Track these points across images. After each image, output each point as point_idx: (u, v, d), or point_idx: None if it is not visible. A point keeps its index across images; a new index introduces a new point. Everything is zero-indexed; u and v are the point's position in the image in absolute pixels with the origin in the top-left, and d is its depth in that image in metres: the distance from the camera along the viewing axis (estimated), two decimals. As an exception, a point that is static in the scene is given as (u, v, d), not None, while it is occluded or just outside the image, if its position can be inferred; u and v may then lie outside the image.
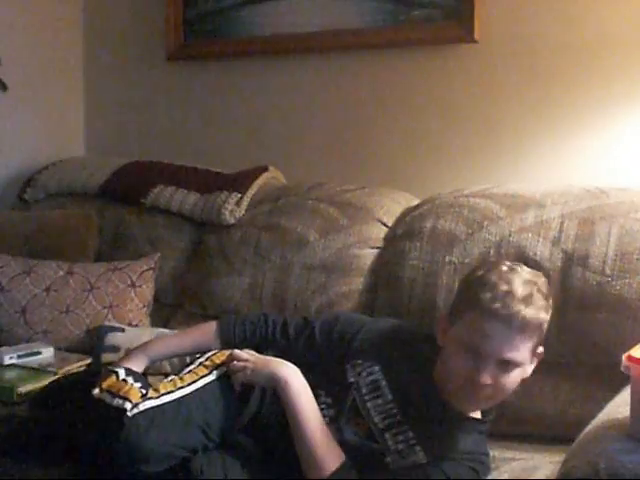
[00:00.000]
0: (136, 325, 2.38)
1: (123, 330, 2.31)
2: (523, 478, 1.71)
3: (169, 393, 1.66)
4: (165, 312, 2.50)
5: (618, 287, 1.88)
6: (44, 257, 2.53)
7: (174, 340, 1.97)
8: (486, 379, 1.59)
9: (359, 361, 1.74)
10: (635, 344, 1.45)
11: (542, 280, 1.67)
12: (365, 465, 1.63)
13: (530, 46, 2.40)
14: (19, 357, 2.20)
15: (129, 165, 2.79)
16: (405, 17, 2.56)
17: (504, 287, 1.60)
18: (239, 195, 2.50)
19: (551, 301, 1.66)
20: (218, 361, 1.76)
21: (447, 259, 2.05)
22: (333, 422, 1.68)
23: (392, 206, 2.30)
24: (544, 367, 1.94)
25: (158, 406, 1.63)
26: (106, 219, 2.68)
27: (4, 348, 2.25)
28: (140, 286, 2.44)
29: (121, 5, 3.10)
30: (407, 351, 1.74)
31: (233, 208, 2.48)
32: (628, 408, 1.39)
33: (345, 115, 2.71)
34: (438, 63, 2.54)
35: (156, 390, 1.67)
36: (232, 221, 2.47)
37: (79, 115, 3.18)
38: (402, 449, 1.64)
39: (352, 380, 1.72)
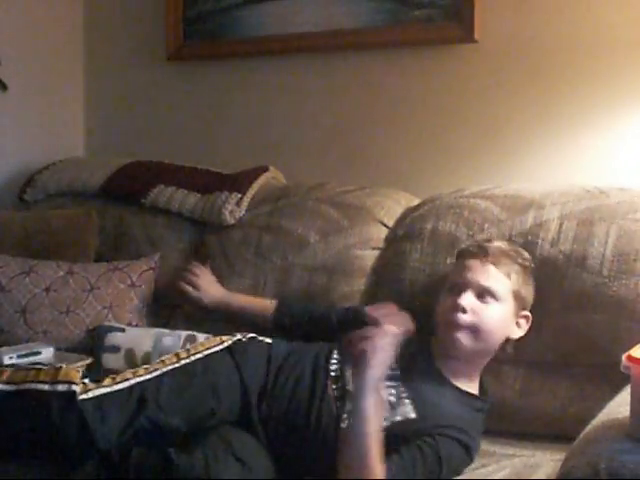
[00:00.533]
0: (136, 325, 2.38)
1: (123, 330, 2.31)
2: (525, 474, 1.72)
3: (125, 381, 1.70)
4: (165, 312, 2.50)
5: (615, 288, 1.88)
6: (44, 257, 2.53)
7: (240, 296, 2.22)
8: (466, 302, 1.75)
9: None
10: (633, 344, 1.46)
11: (524, 254, 1.89)
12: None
13: (530, 46, 2.40)
14: (19, 357, 2.20)
15: (129, 165, 2.79)
16: (405, 17, 2.56)
17: (482, 240, 1.90)
18: (239, 195, 2.50)
19: (528, 262, 1.87)
20: (194, 350, 1.83)
21: (448, 261, 2.05)
22: (340, 377, 1.77)
23: (392, 207, 2.30)
24: (543, 366, 1.96)
25: (109, 393, 1.67)
26: (106, 219, 2.68)
27: (4, 348, 2.24)
28: (140, 286, 2.44)
29: (121, 5, 3.10)
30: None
31: (233, 208, 2.48)
32: (628, 408, 1.39)
33: (345, 115, 2.71)
34: (438, 63, 2.54)
35: (112, 379, 1.69)
36: (232, 221, 2.47)
37: (79, 115, 3.18)
38: (393, 401, 1.71)
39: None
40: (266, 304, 2.16)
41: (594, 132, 2.33)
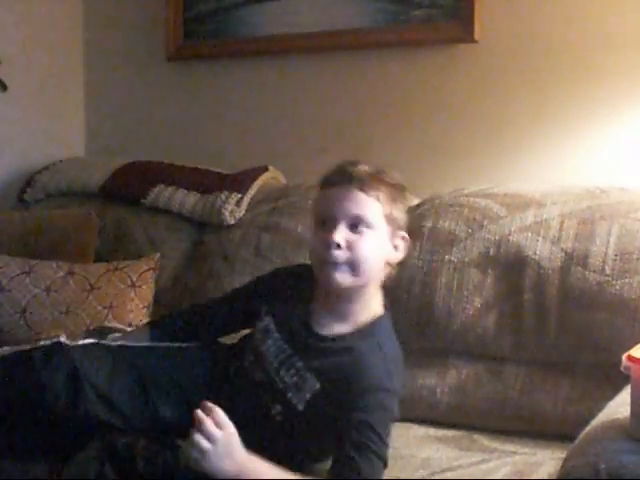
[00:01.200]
0: (137, 326, 2.37)
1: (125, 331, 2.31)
2: (526, 472, 1.71)
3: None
4: (165, 313, 2.50)
5: (618, 287, 1.88)
6: (44, 257, 2.53)
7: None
8: (339, 237, 1.64)
9: (264, 308, 1.80)
10: (635, 344, 1.45)
11: (392, 173, 1.77)
12: (273, 405, 1.68)
13: (530, 46, 2.40)
14: (19, 357, 2.20)
15: (129, 165, 2.79)
16: (405, 17, 2.56)
17: (344, 163, 1.75)
18: (239, 195, 2.50)
19: (397, 179, 1.76)
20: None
21: (447, 258, 2.05)
22: (248, 369, 1.74)
23: (392, 206, 2.30)
24: (544, 365, 1.97)
25: (95, 343, 1.73)
26: (106, 219, 2.68)
27: (5, 349, 2.24)
28: (140, 286, 2.44)
29: (121, 5, 3.10)
30: (290, 285, 1.79)
31: (233, 208, 2.48)
32: (628, 408, 1.38)
33: (345, 115, 2.71)
34: (438, 63, 2.54)
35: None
36: (232, 221, 2.47)
37: (79, 115, 3.18)
38: (296, 381, 1.67)
39: (249, 331, 1.81)
40: (138, 335, 2.00)
41: (594, 132, 2.33)
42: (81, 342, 1.72)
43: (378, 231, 1.68)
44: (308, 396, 1.66)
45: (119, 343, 1.79)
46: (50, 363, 1.65)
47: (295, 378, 1.68)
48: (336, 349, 1.69)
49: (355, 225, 1.67)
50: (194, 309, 2.03)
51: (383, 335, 1.72)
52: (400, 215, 1.73)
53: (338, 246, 1.65)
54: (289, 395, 1.67)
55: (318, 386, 1.65)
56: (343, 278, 1.67)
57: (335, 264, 1.66)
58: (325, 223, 1.69)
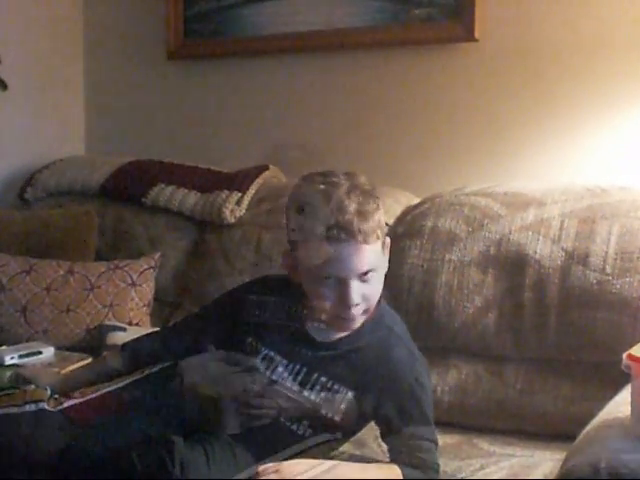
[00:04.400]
0: (137, 324, 2.38)
1: (125, 330, 2.31)
2: (522, 474, 1.71)
3: (95, 392, 1.69)
4: (165, 311, 2.51)
5: (618, 286, 1.88)
6: (44, 256, 2.54)
7: (81, 371, 1.96)
8: (356, 299, 1.59)
9: (248, 340, 1.72)
10: (636, 343, 1.46)
11: (361, 180, 1.63)
12: (300, 422, 1.65)
13: (530, 45, 2.40)
14: (20, 357, 2.20)
15: (129, 164, 2.79)
16: (405, 16, 2.56)
17: (333, 206, 1.57)
18: (239, 194, 2.50)
19: (375, 192, 1.62)
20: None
21: (447, 257, 2.05)
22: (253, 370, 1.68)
23: (392, 205, 2.30)
24: (545, 365, 1.96)
25: (82, 402, 1.65)
26: (106, 218, 2.69)
27: (5, 348, 2.25)
28: (140, 285, 2.44)
29: (121, 5, 3.10)
30: (274, 302, 1.74)
31: (233, 207, 2.48)
32: (629, 407, 1.38)
33: (345, 115, 2.71)
34: (438, 62, 2.54)
35: (82, 393, 1.68)
36: (232, 220, 2.48)
37: (79, 115, 3.19)
38: (325, 396, 1.65)
39: (250, 364, 1.70)
40: (110, 358, 1.92)
41: (594, 131, 2.33)
42: (66, 404, 1.65)
43: (382, 263, 1.64)
44: (343, 406, 1.64)
45: (103, 392, 1.71)
46: (36, 438, 1.59)
47: (323, 393, 1.65)
48: (352, 350, 1.67)
49: (364, 274, 1.60)
50: (162, 335, 1.93)
51: (387, 317, 1.71)
52: (383, 225, 1.65)
53: (355, 304, 1.61)
54: (322, 412, 1.65)
55: (351, 394, 1.64)
56: (358, 321, 1.65)
57: (355, 317, 1.63)
58: (332, 278, 1.60)
